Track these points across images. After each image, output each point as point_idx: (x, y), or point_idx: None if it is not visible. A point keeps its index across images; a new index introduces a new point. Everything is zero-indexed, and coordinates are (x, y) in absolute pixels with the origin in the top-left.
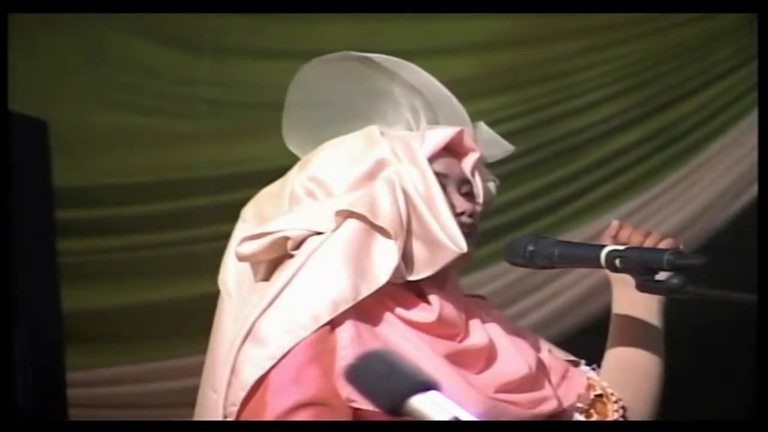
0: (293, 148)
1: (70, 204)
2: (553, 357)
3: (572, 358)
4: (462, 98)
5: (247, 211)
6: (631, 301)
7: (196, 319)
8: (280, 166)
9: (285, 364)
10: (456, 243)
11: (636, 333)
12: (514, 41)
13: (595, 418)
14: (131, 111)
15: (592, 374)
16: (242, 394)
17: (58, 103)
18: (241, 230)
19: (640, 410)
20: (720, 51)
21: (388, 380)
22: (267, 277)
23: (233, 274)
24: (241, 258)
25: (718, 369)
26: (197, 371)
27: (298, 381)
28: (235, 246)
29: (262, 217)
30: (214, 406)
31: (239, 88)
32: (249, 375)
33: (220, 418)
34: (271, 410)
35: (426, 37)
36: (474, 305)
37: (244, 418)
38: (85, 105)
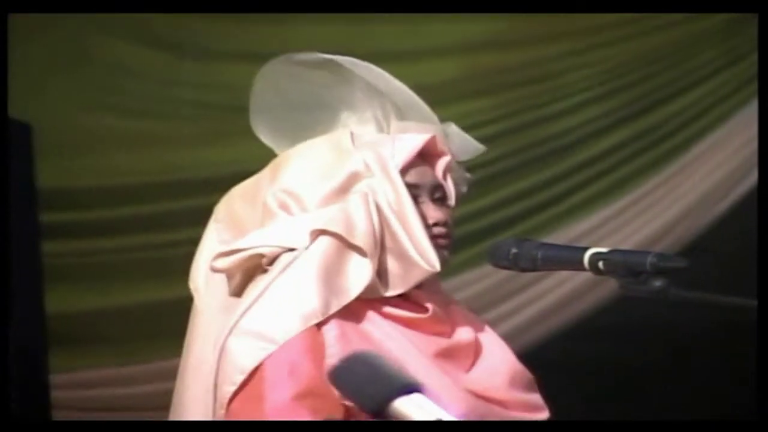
0: (264, 138)
1: (54, 206)
2: None
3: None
4: (446, 100)
5: (220, 211)
6: None
7: (180, 321)
8: (263, 168)
9: (278, 359)
10: (428, 261)
11: None
12: (498, 44)
13: None
14: (116, 113)
15: None
16: (222, 412)
17: (43, 105)
18: (212, 230)
19: None
20: (704, 53)
21: (371, 383)
22: (241, 287)
23: (204, 273)
24: (216, 272)
25: (718, 370)
26: None
27: (293, 374)
28: (207, 246)
29: (234, 218)
30: (187, 404)
31: (224, 91)
32: (225, 392)
33: (196, 410)
34: (270, 403)
35: (410, 39)
36: (454, 304)
37: (238, 414)
38: (70, 107)
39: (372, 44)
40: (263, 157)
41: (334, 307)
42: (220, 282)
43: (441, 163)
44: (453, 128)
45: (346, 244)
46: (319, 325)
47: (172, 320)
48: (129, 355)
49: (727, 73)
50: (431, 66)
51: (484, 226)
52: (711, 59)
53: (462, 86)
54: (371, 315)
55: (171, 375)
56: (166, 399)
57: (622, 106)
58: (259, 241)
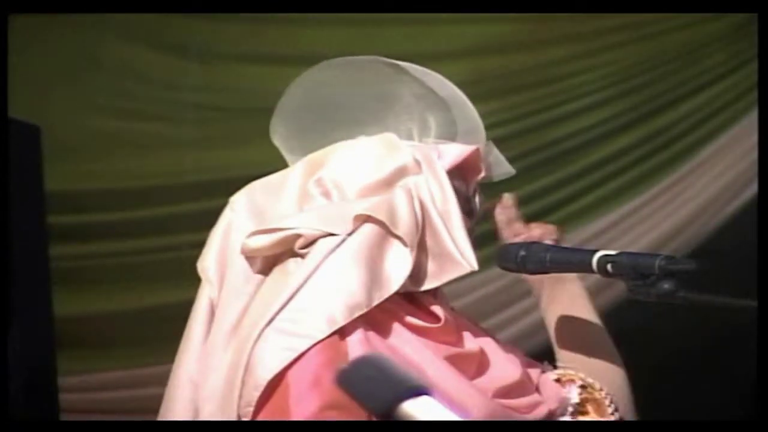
0: (279, 144)
1: (62, 209)
2: (529, 362)
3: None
4: None
5: (238, 201)
6: (564, 298)
7: (186, 324)
8: (273, 171)
9: (303, 370)
10: (468, 260)
11: (582, 327)
12: (505, 47)
13: (591, 415)
14: (124, 116)
15: (569, 371)
16: (256, 394)
17: (51, 108)
18: (227, 219)
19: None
20: (711, 56)
21: (380, 385)
22: (264, 271)
23: (214, 261)
24: (247, 252)
25: (718, 370)
26: None
27: (318, 385)
28: (219, 233)
29: (256, 207)
30: (182, 387)
31: (232, 94)
32: (261, 376)
33: (189, 405)
34: (295, 417)
35: (417, 42)
36: (461, 316)
37: (261, 419)
38: (78, 110)
39: (379, 47)
40: (270, 160)
41: (377, 299)
42: (240, 270)
43: (474, 179)
44: (491, 147)
45: (388, 233)
46: (342, 334)
47: (181, 322)
48: (136, 358)
49: (734, 77)
50: (439, 69)
51: (491, 228)
52: (718, 63)
53: (470, 89)
54: (388, 321)
55: None
56: None
57: (630, 109)
58: (299, 222)
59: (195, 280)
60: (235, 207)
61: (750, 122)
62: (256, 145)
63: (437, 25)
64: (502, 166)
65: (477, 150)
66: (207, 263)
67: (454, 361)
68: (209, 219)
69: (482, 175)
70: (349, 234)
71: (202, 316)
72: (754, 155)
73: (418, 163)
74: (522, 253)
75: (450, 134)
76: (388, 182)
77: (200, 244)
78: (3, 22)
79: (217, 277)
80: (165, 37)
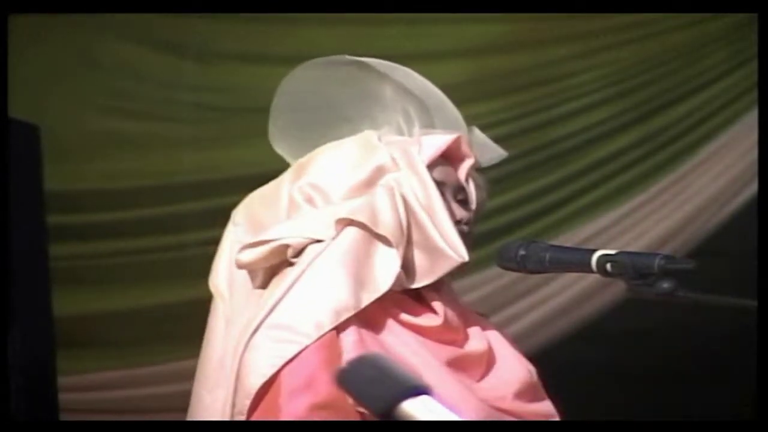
0: (280, 150)
1: (61, 209)
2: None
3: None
4: (454, 103)
5: (238, 214)
6: None
7: (186, 323)
8: (271, 170)
9: (296, 370)
10: (457, 252)
11: None
12: (505, 46)
13: None
14: (123, 116)
15: None
16: (247, 402)
17: (50, 108)
18: (231, 233)
19: None
20: (711, 56)
21: (379, 385)
22: (264, 284)
23: (225, 277)
24: (241, 266)
25: (718, 370)
26: (188, 375)
27: (310, 386)
28: (227, 249)
29: (255, 220)
30: (207, 406)
31: (230, 93)
32: (252, 383)
33: (215, 419)
34: (285, 415)
35: (417, 41)
36: (470, 312)
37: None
38: (77, 110)
39: (379, 47)
40: (269, 160)
41: (365, 301)
42: (243, 283)
43: (464, 166)
44: (476, 132)
45: (371, 234)
46: (338, 332)
47: (178, 323)
48: (136, 358)
49: (734, 76)
50: (438, 68)
51: (491, 228)
52: (718, 62)
53: (469, 89)
54: (388, 322)
55: (179, 377)
56: (174, 400)
57: (630, 108)
58: (285, 232)
59: (195, 280)
60: (237, 220)
61: (750, 122)
62: (255, 144)
63: (438, 25)
64: (492, 150)
65: (458, 137)
66: (218, 279)
67: (458, 363)
68: (209, 218)
69: (472, 160)
70: (333, 239)
71: (220, 333)
72: (754, 155)
73: (395, 160)
74: (522, 252)
75: (429, 123)
76: (369, 182)
77: (201, 243)
78: (3, 22)
79: (229, 292)
80: (164, 37)
